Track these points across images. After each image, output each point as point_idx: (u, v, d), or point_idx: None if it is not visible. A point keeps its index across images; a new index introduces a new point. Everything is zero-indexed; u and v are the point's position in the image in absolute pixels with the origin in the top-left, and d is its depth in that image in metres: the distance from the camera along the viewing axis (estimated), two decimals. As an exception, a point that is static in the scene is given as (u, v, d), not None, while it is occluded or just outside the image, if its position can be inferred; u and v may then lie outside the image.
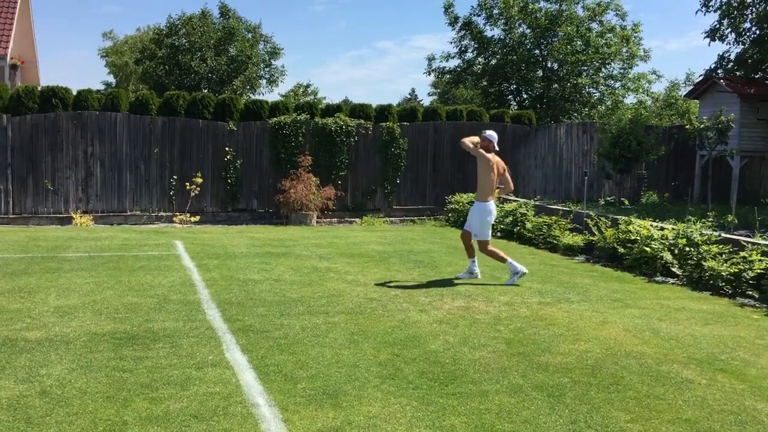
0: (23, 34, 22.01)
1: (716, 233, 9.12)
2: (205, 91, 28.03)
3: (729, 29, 20.89)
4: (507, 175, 8.53)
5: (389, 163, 16.78)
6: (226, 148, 15.50)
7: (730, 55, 21.35)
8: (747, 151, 17.65)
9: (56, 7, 68.09)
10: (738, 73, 20.56)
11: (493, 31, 28.15)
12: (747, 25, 20.61)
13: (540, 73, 25.34)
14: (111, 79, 46.00)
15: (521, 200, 13.90)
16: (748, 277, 8.04)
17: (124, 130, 14.82)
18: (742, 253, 8.34)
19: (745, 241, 8.62)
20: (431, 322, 6.26)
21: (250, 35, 32.36)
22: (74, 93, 15.12)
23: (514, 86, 25.76)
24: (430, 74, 27.89)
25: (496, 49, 25.36)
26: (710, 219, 10.39)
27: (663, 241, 9.30)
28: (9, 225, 13.68)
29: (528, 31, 24.79)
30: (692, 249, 8.88)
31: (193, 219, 14.88)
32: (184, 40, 30.37)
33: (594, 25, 24.91)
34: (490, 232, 8.50)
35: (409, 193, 17.19)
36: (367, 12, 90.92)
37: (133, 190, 14.95)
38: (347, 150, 16.27)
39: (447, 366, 5.00)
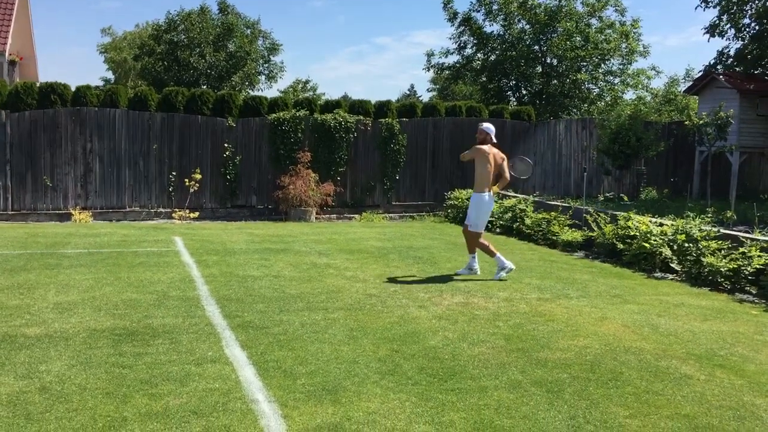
0: (22, 30, 21.97)
1: (715, 229, 9.12)
2: (204, 87, 28.02)
3: (728, 25, 20.89)
4: (505, 165, 8.52)
5: (388, 159, 16.77)
6: (225, 144, 15.49)
7: (729, 50, 21.36)
8: (746, 147, 17.65)
9: (55, 3, 68.04)
10: (737, 69, 20.55)
11: (493, 27, 28.16)
12: (746, 20, 20.62)
13: (539, 68, 25.30)
14: (110, 75, 46.02)
15: (520, 196, 13.90)
16: (747, 272, 8.05)
17: (123, 126, 14.80)
18: (741, 249, 8.34)
19: (744, 237, 8.63)
20: (430, 318, 6.27)
21: (248, 31, 32.32)
22: (73, 89, 15.10)
23: (514, 82, 25.72)
24: (429, 70, 27.87)
25: (495, 44, 25.32)
26: (709, 215, 10.40)
27: (662, 237, 9.30)
28: (8, 221, 13.67)
29: (527, 26, 24.75)
30: (691, 245, 8.88)
31: (192, 215, 14.88)
32: (183, 36, 30.31)
33: (593, 21, 24.88)
34: (484, 224, 8.50)
35: (409, 189, 17.18)
36: (366, 7, 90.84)
37: (132, 186, 14.94)
38: (346, 146, 16.26)
39: (446, 362, 5.01)
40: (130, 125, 14.85)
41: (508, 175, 8.58)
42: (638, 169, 18.08)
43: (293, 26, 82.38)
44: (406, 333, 5.73)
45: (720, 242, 8.68)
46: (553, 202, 13.15)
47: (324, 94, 49.42)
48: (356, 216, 16.23)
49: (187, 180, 15.03)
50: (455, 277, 8.29)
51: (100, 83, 43.07)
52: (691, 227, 9.21)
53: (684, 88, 23.79)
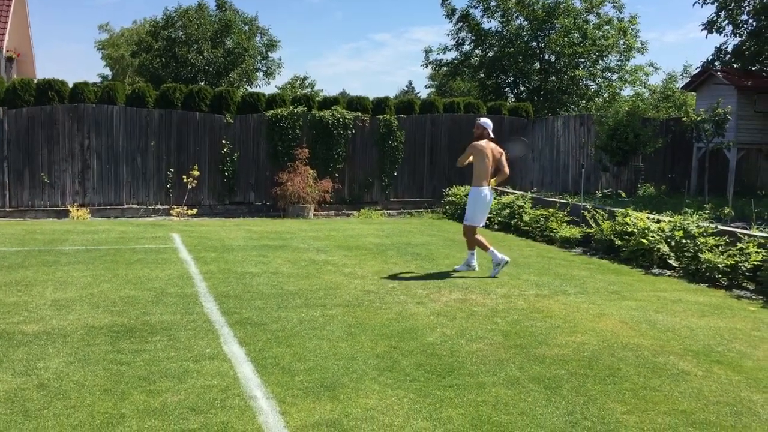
0: (19, 26, 21.90)
1: (713, 225, 9.13)
2: (202, 83, 27.95)
3: (726, 21, 20.88)
4: (503, 159, 8.51)
5: (386, 155, 16.77)
6: (223, 141, 15.47)
7: (727, 47, 21.36)
8: (744, 144, 17.67)
9: (52, 0, 67.80)
10: (735, 66, 20.56)
11: (491, 23, 28.12)
12: (744, 17, 20.61)
13: (537, 65, 25.28)
14: (107, 71, 45.86)
15: (518, 192, 13.90)
16: (744, 268, 8.06)
17: (121, 123, 14.78)
18: (738, 245, 8.36)
19: (741, 233, 8.64)
20: (428, 314, 6.27)
21: (246, 27, 32.26)
22: (70, 86, 15.08)
23: (512, 78, 25.71)
24: (427, 66, 27.86)
25: (493, 41, 25.30)
26: (707, 211, 10.41)
27: (660, 234, 9.31)
28: (6, 218, 13.65)
29: (525, 23, 24.73)
30: (689, 241, 8.89)
31: (190, 212, 14.87)
32: (181, 33, 30.26)
33: (591, 17, 24.85)
34: (482, 219, 8.49)
35: (407, 186, 17.19)
36: (364, 4, 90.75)
37: (129, 182, 14.92)
38: (344, 142, 16.25)
39: (444, 358, 5.02)
40: (128, 122, 14.83)
41: (507, 170, 8.58)
42: (636, 165, 18.10)
43: (291, 23, 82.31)
44: (404, 329, 5.74)
45: (717, 238, 8.69)
46: (551, 199, 13.15)
47: (322, 90, 49.52)
48: (354, 212, 16.23)
49: (185, 177, 15.02)
50: (453, 274, 8.30)
51: (98, 80, 42.94)
52: (688, 223, 9.22)
53: (682, 85, 23.76)
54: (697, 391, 4.52)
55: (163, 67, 29.95)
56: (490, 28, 25.71)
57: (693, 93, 20.65)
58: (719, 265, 8.17)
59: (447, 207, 15.43)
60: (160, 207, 15.09)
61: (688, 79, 20.57)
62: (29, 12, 22.98)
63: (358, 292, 7.08)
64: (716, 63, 21.17)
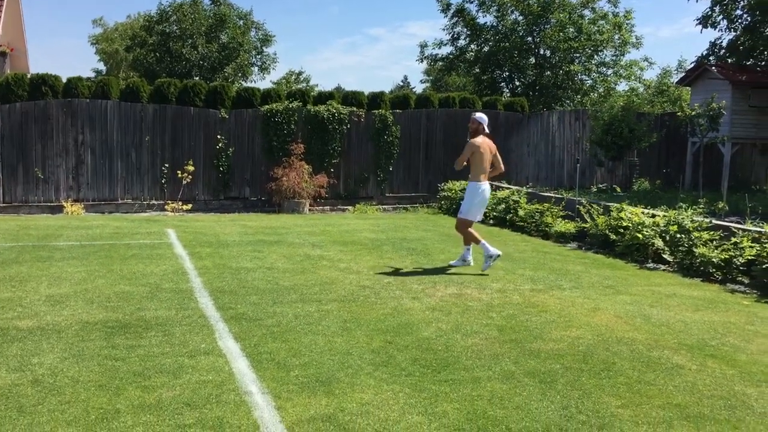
0: (12, 21, 21.77)
1: (707, 220, 9.16)
2: (197, 78, 27.85)
3: (721, 16, 20.90)
4: (498, 156, 8.52)
5: (382, 150, 16.75)
6: (218, 136, 15.44)
7: (722, 42, 21.39)
8: (738, 138, 17.70)
9: (45, -6, 67.41)
10: (730, 60, 20.58)
11: (486, 18, 28.04)
12: (739, 12, 20.63)
13: (532, 60, 25.29)
14: (101, 66, 45.69)
15: (514, 187, 13.92)
16: (738, 263, 8.09)
17: (115, 118, 14.73)
18: (732, 240, 8.38)
19: (735, 228, 8.67)
20: (424, 309, 6.28)
21: (241, 22, 32.17)
22: (64, 80, 15.01)
23: (507, 73, 25.71)
24: (422, 61, 27.87)
25: (488, 36, 25.28)
26: (701, 206, 10.44)
27: (654, 228, 9.33)
28: (-1, 214, 13.61)
29: (520, 18, 24.73)
30: (683, 235, 8.92)
31: (185, 207, 14.83)
32: (175, 27, 30.14)
33: (586, 12, 24.87)
34: (477, 215, 8.47)
35: (402, 181, 17.18)
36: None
37: (124, 178, 14.88)
38: (340, 138, 16.23)
39: (439, 353, 5.02)
40: (122, 117, 14.78)
41: (502, 167, 8.59)
42: (631, 160, 18.13)
43: (286, 17, 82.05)
44: (399, 324, 5.74)
45: (712, 233, 8.71)
46: (546, 194, 13.17)
47: (317, 85, 49.41)
48: (350, 208, 16.22)
49: (179, 172, 14.98)
50: (449, 269, 8.30)
51: (92, 75, 42.77)
52: (683, 218, 9.24)
53: (677, 80, 23.80)
54: (691, 384, 4.54)
55: (157, 61, 29.84)
56: (486, 22, 25.72)
57: (688, 88, 20.67)
58: (713, 260, 8.20)
59: (442, 202, 15.43)
60: (155, 202, 15.05)
61: (683, 74, 20.59)
62: (22, 6, 22.86)
63: (354, 288, 7.08)
64: (711, 58, 21.20)
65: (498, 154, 8.53)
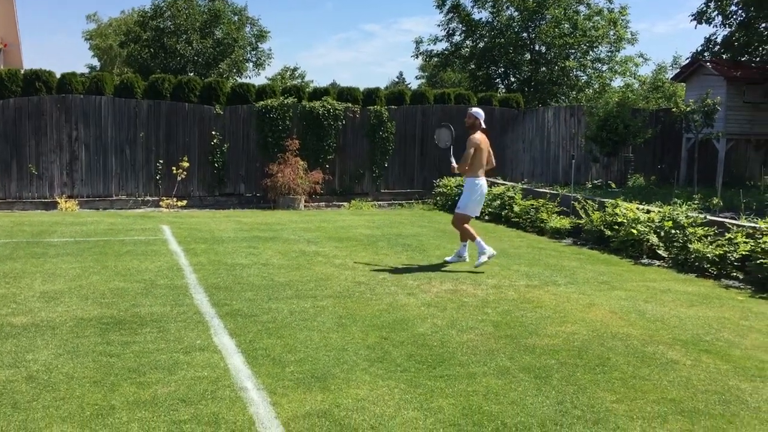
0: (6, 16, 21.68)
1: (702, 216, 9.18)
2: (191, 74, 27.80)
3: (716, 12, 20.94)
4: (491, 152, 8.52)
5: (377, 146, 16.74)
6: (213, 132, 15.40)
7: (716, 38, 21.43)
8: (733, 134, 17.75)
9: (39, -11, 67.10)
10: (724, 56, 20.63)
11: (481, 14, 28.08)
12: (733, 7, 20.67)
13: (528, 56, 25.29)
14: (95, 62, 45.52)
15: (509, 183, 13.92)
16: (733, 258, 8.11)
17: (109, 114, 14.68)
18: (727, 235, 8.41)
19: (730, 224, 8.69)
20: (419, 305, 6.28)
21: (236, 18, 32.07)
22: (58, 76, 14.95)
23: (502, 69, 25.71)
24: (417, 57, 27.85)
25: (483, 32, 25.27)
26: (696, 201, 10.46)
27: (649, 224, 9.35)
28: (-7, 210, 13.56)
29: (516, 14, 24.72)
30: (678, 231, 8.94)
31: (179, 203, 14.80)
32: (170, 23, 30.04)
33: (581, 8, 24.88)
34: (475, 210, 8.45)
35: (397, 177, 17.17)
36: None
37: (118, 174, 14.83)
38: (335, 134, 16.21)
39: (435, 349, 5.02)
40: (117, 113, 14.73)
41: (493, 161, 8.59)
42: (626, 156, 18.17)
43: (281, 13, 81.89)
44: (395, 320, 5.74)
45: (706, 229, 8.74)
46: (541, 190, 13.18)
47: (312, 81, 49.36)
48: (345, 204, 16.20)
49: (174, 168, 14.94)
50: (444, 265, 8.30)
51: (86, 70, 42.63)
52: (677, 214, 9.26)
53: (671, 76, 23.84)
54: (685, 380, 4.55)
55: (151, 57, 29.74)
56: (481, 18, 25.74)
57: (682, 84, 20.71)
58: (708, 255, 8.22)
59: (438, 198, 15.44)
60: (150, 198, 15.02)
61: (678, 70, 20.64)
62: (16, 2, 22.75)
63: (349, 284, 7.08)
64: (706, 54, 21.24)
65: (491, 149, 8.54)
